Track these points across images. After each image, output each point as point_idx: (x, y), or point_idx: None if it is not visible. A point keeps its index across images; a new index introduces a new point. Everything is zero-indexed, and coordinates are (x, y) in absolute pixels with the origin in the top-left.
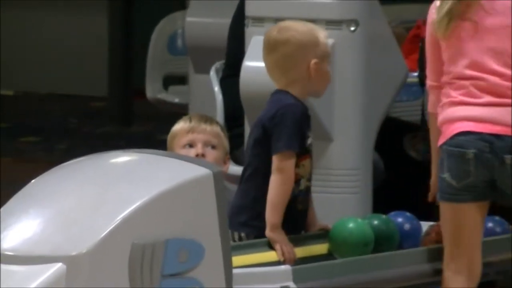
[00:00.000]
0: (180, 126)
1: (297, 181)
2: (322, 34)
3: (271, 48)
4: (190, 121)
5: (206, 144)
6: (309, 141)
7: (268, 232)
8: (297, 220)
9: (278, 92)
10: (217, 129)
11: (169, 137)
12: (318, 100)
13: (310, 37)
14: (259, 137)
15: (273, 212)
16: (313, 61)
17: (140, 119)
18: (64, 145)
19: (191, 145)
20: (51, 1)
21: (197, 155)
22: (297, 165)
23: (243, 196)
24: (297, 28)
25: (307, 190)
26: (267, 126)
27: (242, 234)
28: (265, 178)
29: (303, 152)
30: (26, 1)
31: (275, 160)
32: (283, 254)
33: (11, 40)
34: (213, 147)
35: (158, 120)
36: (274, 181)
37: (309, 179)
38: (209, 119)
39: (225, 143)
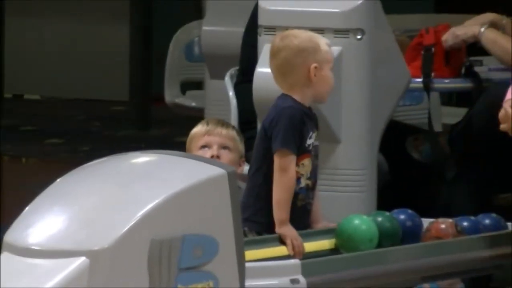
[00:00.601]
0: (198, 129)
1: (297, 179)
2: (323, 41)
3: (273, 54)
4: (208, 124)
5: (221, 146)
6: (310, 141)
7: (278, 229)
8: (297, 216)
9: (280, 96)
10: (232, 133)
11: (188, 139)
12: (326, 104)
13: (309, 43)
14: (261, 138)
15: (279, 209)
16: (313, 65)
17: (158, 123)
18: (86, 147)
19: (207, 146)
20: (77, 14)
21: (212, 157)
22: (297, 164)
23: (247, 194)
24: (297, 35)
25: (308, 188)
26: (267, 128)
27: (245, 229)
28: (266, 177)
29: (302, 152)
30: (54, 13)
31: (276, 159)
32: (293, 248)
33: (39, 49)
34: (228, 149)
35: (175, 124)
36: (277, 179)
37: (310, 178)
38: (225, 124)
39: (240, 146)
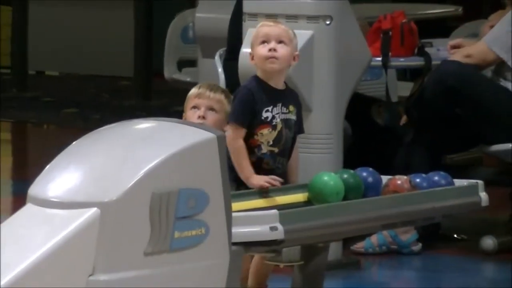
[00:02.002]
0: (192, 91)
1: (257, 146)
2: (260, 25)
3: None
4: (199, 88)
5: (208, 108)
6: (267, 114)
7: (248, 183)
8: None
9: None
10: (220, 96)
11: (186, 99)
12: (300, 79)
13: (254, 33)
14: None
15: (239, 169)
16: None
17: (158, 95)
18: (97, 115)
19: (197, 107)
20: (91, 3)
21: (199, 117)
22: (255, 134)
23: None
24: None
25: (273, 154)
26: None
27: None
28: None
29: (259, 123)
30: (71, 1)
31: (228, 129)
32: (271, 184)
33: (58, 32)
34: (215, 111)
35: (172, 96)
36: (229, 146)
37: (273, 145)
38: (215, 88)
39: (227, 107)
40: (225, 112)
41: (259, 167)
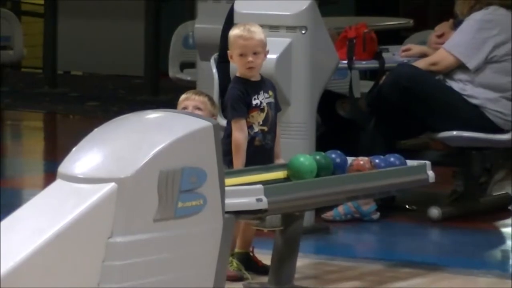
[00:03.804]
0: (182, 97)
1: (250, 127)
2: (238, 33)
3: None
4: (187, 94)
5: (195, 107)
6: (256, 101)
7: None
8: (256, 152)
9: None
10: (204, 98)
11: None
12: (281, 78)
13: (232, 39)
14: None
15: (234, 156)
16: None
17: (164, 91)
18: (115, 108)
19: (186, 108)
20: (110, 13)
21: None
22: (248, 117)
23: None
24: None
25: (263, 132)
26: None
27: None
28: (227, 131)
29: (251, 108)
30: (94, 14)
31: (232, 125)
32: None
33: (82, 39)
34: (200, 109)
35: (176, 92)
36: (233, 135)
37: (263, 125)
38: (199, 92)
39: (210, 108)
40: (209, 111)
41: (252, 144)
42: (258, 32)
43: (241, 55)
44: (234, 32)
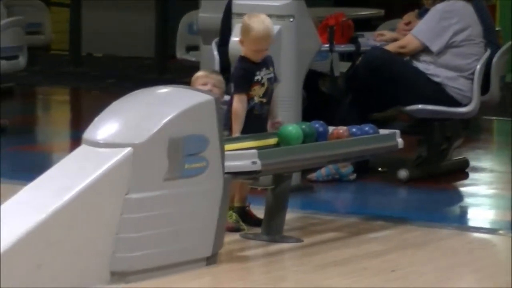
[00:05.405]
0: (201, 73)
1: (251, 98)
2: (256, 24)
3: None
4: (207, 71)
5: (213, 85)
6: (258, 77)
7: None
8: (254, 120)
9: (238, 58)
10: (220, 77)
11: (193, 77)
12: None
13: (243, 26)
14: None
15: (233, 124)
16: (240, 39)
17: (172, 70)
18: (130, 84)
19: (206, 84)
20: (126, 5)
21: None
22: (250, 90)
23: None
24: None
25: (262, 103)
26: (231, 78)
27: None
28: (229, 103)
29: (253, 83)
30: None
31: (234, 97)
32: None
33: (102, 25)
34: (217, 87)
35: (182, 71)
36: (234, 106)
37: (262, 97)
38: (216, 72)
39: (223, 85)
40: (222, 88)
41: (251, 113)
42: (272, 30)
43: (256, 50)
44: (255, 25)
